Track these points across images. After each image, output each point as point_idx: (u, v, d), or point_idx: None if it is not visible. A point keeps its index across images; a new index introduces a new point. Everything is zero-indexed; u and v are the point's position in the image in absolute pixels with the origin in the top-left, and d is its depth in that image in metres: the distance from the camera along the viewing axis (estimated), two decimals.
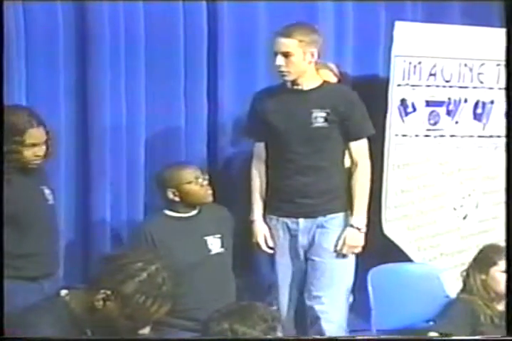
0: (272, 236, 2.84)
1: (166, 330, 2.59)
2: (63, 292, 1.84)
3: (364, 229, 2.82)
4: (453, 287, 2.95)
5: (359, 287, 2.94)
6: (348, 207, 2.83)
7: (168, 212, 2.88)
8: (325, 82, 2.82)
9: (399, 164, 3.21)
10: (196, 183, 2.85)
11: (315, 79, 2.80)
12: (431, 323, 2.84)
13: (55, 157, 2.69)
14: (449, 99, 3.28)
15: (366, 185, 2.84)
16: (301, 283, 2.84)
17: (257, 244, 2.84)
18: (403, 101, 3.19)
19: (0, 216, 2.04)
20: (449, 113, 3.29)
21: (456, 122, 3.32)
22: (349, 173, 2.85)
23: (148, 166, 3.06)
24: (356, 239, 2.81)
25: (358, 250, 2.83)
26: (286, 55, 2.70)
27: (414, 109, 3.22)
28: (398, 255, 3.20)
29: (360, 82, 3.31)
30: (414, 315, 2.91)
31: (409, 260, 3.21)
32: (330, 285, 2.79)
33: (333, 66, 3.12)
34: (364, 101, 3.33)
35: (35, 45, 2.83)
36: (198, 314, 2.55)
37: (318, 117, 2.75)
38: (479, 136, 3.37)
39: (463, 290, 2.82)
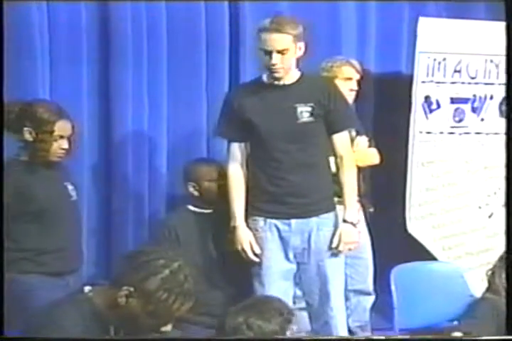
0: (257, 241, 2.67)
1: (188, 328, 2.59)
2: (87, 288, 1.85)
3: (358, 224, 2.72)
4: (477, 286, 2.92)
5: (382, 286, 2.92)
6: (339, 203, 2.72)
7: (191, 207, 2.91)
8: (303, 74, 2.66)
9: (423, 162, 3.19)
10: (217, 182, 2.85)
11: (295, 73, 2.64)
12: (455, 323, 2.80)
13: (78, 153, 2.70)
14: (475, 95, 3.25)
15: (354, 179, 2.71)
16: (300, 289, 2.72)
17: (243, 251, 2.66)
18: (427, 98, 3.16)
19: (0, 214, 2.04)
20: (474, 110, 3.26)
21: (482, 119, 3.29)
22: (336, 168, 2.71)
23: (170, 164, 3.07)
24: (352, 235, 2.68)
25: (354, 246, 2.73)
26: (281, 52, 2.54)
27: (439, 106, 3.19)
28: (422, 254, 3.16)
29: (384, 78, 3.29)
30: (438, 315, 2.87)
31: (432, 259, 3.18)
32: (335, 288, 2.70)
33: (355, 63, 3.09)
34: (387, 98, 3.30)
35: (59, 43, 2.84)
36: (220, 310, 2.55)
37: (304, 112, 2.61)
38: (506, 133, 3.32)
39: (488, 290, 2.78)
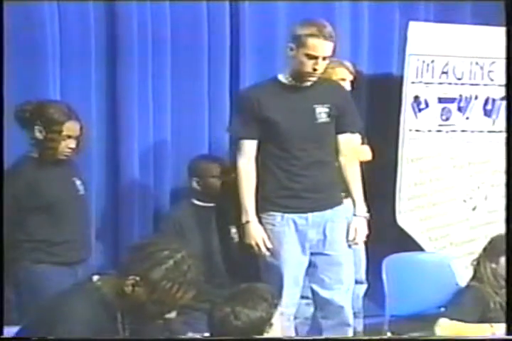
0: (275, 235, 2.64)
1: (190, 313, 2.60)
2: (95, 277, 1.86)
3: (368, 217, 2.76)
4: (463, 275, 2.93)
5: (374, 275, 2.92)
6: (344, 197, 2.75)
7: (194, 201, 2.92)
8: (317, 78, 2.66)
9: (412, 158, 3.20)
10: (219, 179, 2.86)
11: None
12: (442, 309, 2.81)
13: (86, 150, 2.71)
14: (461, 95, 3.26)
15: (359, 176, 2.75)
16: (309, 278, 2.71)
17: (257, 246, 2.63)
18: (416, 98, 3.17)
19: (0, 209, 2.03)
20: (460, 109, 3.27)
21: (467, 118, 3.30)
22: (339, 165, 2.73)
23: (173, 160, 3.07)
24: (365, 228, 2.73)
25: (365, 238, 2.75)
26: (325, 58, 2.57)
27: (427, 106, 3.20)
28: (411, 245, 3.17)
29: (376, 79, 3.29)
30: (426, 302, 2.89)
31: (420, 249, 3.18)
32: (347, 276, 2.73)
33: (349, 64, 3.09)
34: (379, 98, 3.30)
35: (69, 46, 2.84)
36: (218, 297, 2.56)
37: (322, 113, 2.64)
38: (489, 131, 3.35)
39: (473, 278, 2.80)
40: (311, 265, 2.71)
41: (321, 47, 2.55)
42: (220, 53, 3.11)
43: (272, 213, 2.66)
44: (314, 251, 2.70)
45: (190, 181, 2.92)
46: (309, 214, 2.66)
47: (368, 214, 2.76)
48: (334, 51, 2.62)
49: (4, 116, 2.31)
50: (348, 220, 2.72)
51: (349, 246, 2.72)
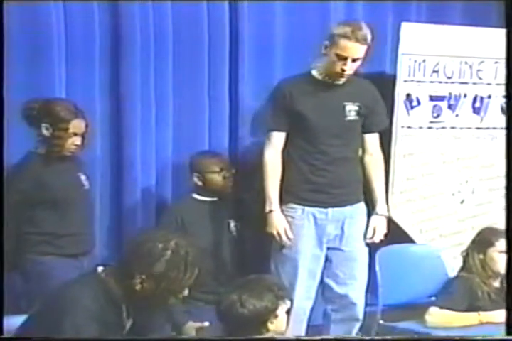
0: (293, 228, 2.62)
1: (194, 303, 2.61)
2: (100, 268, 1.87)
3: (388, 216, 2.76)
4: (452, 266, 2.95)
5: (368, 266, 2.93)
6: (365, 195, 2.75)
7: (195, 196, 2.93)
8: (349, 77, 2.67)
9: (404, 154, 3.22)
10: (219, 174, 2.90)
11: None
12: (433, 298, 2.83)
13: (91, 146, 2.72)
14: (450, 94, 3.27)
15: (383, 175, 2.77)
16: (323, 273, 2.70)
17: (278, 235, 2.61)
18: (409, 96, 3.18)
19: (0, 207, 2.05)
20: (450, 107, 3.28)
21: (457, 115, 3.31)
22: (363, 164, 2.75)
23: (175, 156, 3.08)
24: (384, 227, 2.73)
25: (383, 237, 2.75)
26: (355, 60, 2.56)
27: (419, 103, 3.21)
28: (403, 237, 3.19)
29: (370, 78, 3.28)
30: (417, 291, 2.91)
31: (411, 241, 3.20)
32: (361, 272, 2.73)
33: None
34: None
35: (74, 44, 2.84)
36: (219, 288, 2.58)
37: (352, 111, 2.64)
38: (477, 128, 3.36)
39: (462, 269, 2.82)
40: (327, 260, 2.70)
41: (352, 48, 2.53)
42: (220, 53, 3.11)
43: (292, 206, 2.65)
44: (331, 246, 2.69)
45: (191, 176, 2.93)
46: (329, 209, 2.65)
47: (388, 213, 2.74)
48: (366, 54, 2.60)
49: (5, 114, 2.31)
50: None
51: (366, 244, 2.71)
